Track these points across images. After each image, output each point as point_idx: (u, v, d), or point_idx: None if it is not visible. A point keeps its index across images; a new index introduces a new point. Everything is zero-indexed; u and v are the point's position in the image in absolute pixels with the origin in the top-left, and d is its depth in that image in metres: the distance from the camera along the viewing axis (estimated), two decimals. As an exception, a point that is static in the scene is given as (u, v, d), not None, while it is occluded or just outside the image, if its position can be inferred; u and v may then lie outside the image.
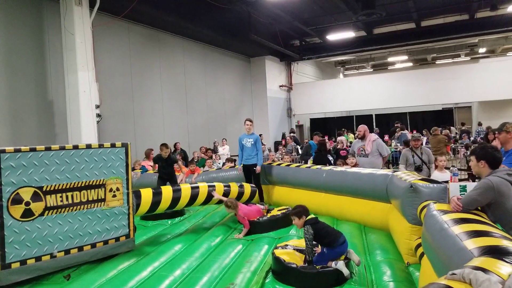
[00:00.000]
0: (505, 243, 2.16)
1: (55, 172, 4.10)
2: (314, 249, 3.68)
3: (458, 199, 3.02)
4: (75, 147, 4.33)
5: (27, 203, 3.88)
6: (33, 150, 3.99)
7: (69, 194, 4.21)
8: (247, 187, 6.39)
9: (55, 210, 4.09)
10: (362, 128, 6.80)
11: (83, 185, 4.31)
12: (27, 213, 3.88)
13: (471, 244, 2.21)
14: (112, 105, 10.11)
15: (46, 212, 4.02)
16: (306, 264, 3.64)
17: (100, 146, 4.52)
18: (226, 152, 12.04)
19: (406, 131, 13.31)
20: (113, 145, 4.61)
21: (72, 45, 8.09)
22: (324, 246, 3.69)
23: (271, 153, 8.45)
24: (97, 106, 8.63)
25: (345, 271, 3.54)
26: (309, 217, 3.78)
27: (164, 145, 6.86)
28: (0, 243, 3.68)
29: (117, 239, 4.59)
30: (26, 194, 3.87)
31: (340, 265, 3.55)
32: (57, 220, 4.10)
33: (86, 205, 4.34)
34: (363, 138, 6.72)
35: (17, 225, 3.80)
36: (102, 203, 4.46)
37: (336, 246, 3.64)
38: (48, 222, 4.02)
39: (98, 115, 8.73)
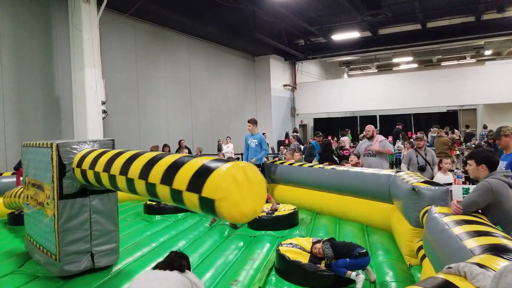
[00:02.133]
0: (504, 241, 2.20)
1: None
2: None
3: (458, 202, 3.06)
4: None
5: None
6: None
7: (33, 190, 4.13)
8: None
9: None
10: (370, 128, 6.81)
11: (37, 184, 4.07)
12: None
13: (471, 243, 2.25)
14: (117, 102, 10.19)
15: None
16: (325, 268, 3.63)
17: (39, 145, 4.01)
18: (230, 150, 12.09)
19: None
20: (45, 145, 3.87)
21: (79, 42, 8.16)
22: (344, 257, 3.64)
23: (297, 153, 8.38)
24: (103, 103, 8.70)
25: (358, 286, 3.48)
26: (325, 239, 3.88)
27: (154, 147, 6.92)
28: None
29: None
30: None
31: (359, 278, 3.47)
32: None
33: (39, 206, 4.04)
34: (370, 138, 6.72)
35: None
36: (43, 207, 3.97)
37: (354, 256, 3.57)
38: None
39: (104, 111, 8.81)
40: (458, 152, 10.43)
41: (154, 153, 2.69)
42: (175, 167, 2.33)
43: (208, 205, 2.08)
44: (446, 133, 16.04)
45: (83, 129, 8.26)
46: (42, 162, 3.90)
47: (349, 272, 3.52)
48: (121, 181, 2.80)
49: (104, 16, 8.89)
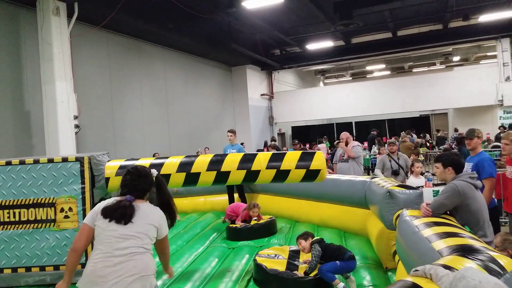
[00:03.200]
0: (470, 241, 2.27)
1: (3, 187, 4.00)
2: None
3: (427, 205, 3.14)
4: (22, 162, 4.05)
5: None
6: None
7: (17, 211, 3.99)
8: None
9: (1, 226, 3.98)
10: (345, 135, 6.94)
11: (30, 202, 4.01)
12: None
13: (439, 245, 2.31)
14: (91, 116, 9.99)
15: None
16: (304, 275, 3.60)
17: (50, 161, 4.08)
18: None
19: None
20: (64, 160, 4.08)
21: (49, 55, 7.99)
22: (335, 260, 3.62)
23: None
24: (76, 117, 8.52)
25: None
26: (315, 238, 3.83)
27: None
28: None
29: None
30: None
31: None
32: (3, 237, 3.99)
33: (33, 225, 4.01)
34: (345, 144, 6.84)
35: None
36: (52, 224, 4.03)
37: (346, 259, 3.58)
38: None
39: (77, 126, 8.62)
40: (422, 158, 10.76)
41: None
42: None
43: (315, 174, 4.01)
44: (421, 136, 16.52)
45: (55, 144, 8.05)
46: (55, 177, 4.01)
47: (337, 281, 3.52)
48: (209, 176, 3.98)
49: (76, 28, 8.76)
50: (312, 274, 3.59)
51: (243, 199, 6.93)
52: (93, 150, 9.57)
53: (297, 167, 3.97)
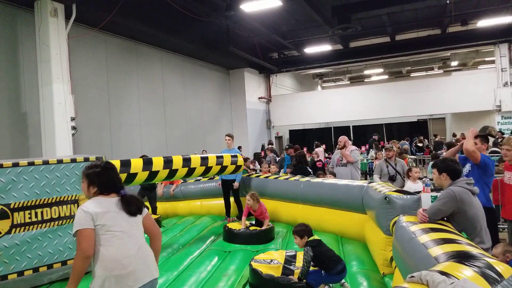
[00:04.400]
0: (467, 248, 2.25)
1: (23, 188, 3.98)
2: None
3: (424, 210, 3.12)
4: (45, 162, 4.16)
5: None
6: (1, 166, 3.88)
7: (39, 210, 4.07)
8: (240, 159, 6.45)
9: (24, 227, 3.96)
10: (343, 139, 6.92)
11: (53, 201, 4.16)
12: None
13: (436, 251, 2.29)
14: (88, 117, 9.95)
15: (15, 229, 3.90)
16: (297, 280, 3.56)
17: (73, 161, 4.35)
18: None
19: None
20: (86, 159, 4.43)
21: (47, 57, 7.96)
22: (322, 269, 3.59)
23: (273, 165, 8.33)
24: (73, 119, 8.48)
25: None
26: (312, 238, 3.67)
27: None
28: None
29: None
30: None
31: None
32: (26, 238, 3.97)
33: (56, 222, 4.17)
34: (343, 148, 6.82)
35: None
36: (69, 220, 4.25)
37: (334, 273, 3.53)
38: (15, 240, 3.90)
39: (74, 128, 8.58)
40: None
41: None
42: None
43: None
44: (421, 141, 16.52)
45: (52, 146, 8.00)
46: (78, 176, 4.20)
47: (322, 285, 3.52)
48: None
49: (73, 30, 8.73)
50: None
51: (239, 204, 6.89)
52: (90, 152, 9.54)
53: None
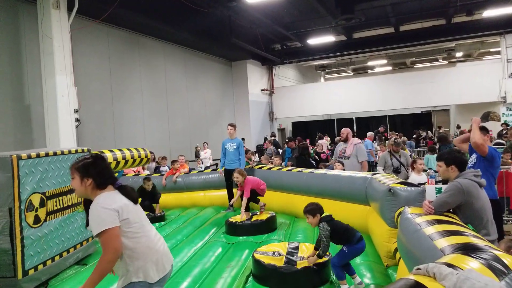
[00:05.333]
0: (473, 240, 2.23)
1: (52, 177, 4.24)
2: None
3: (430, 202, 3.10)
4: (70, 151, 4.55)
5: (36, 209, 3.97)
6: (38, 156, 4.08)
7: (60, 198, 4.36)
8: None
9: (53, 215, 4.22)
10: (345, 131, 6.85)
11: (67, 189, 4.45)
12: (36, 219, 3.97)
13: (442, 243, 2.28)
14: (91, 109, 9.95)
15: (48, 217, 4.14)
16: (318, 258, 3.50)
17: (88, 150, 4.85)
18: (208, 156, 11.98)
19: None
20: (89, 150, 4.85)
21: (50, 49, 7.93)
22: (343, 244, 3.51)
23: (277, 158, 8.35)
24: (76, 111, 8.48)
25: None
26: (324, 214, 3.57)
27: (147, 179, 6.97)
28: (21, 251, 3.72)
29: (87, 240, 4.82)
30: (35, 200, 3.97)
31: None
32: (56, 225, 4.24)
33: (71, 209, 4.52)
34: (345, 140, 6.77)
35: (31, 232, 3.86)
36: (79, 206, 4.60)
37: (355, 242, 3.45)
38: (50, 227, 4.16)
39: (77, 120, 8.59)
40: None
41: None
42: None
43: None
44: (417, 132, 16.46)
45: (56, 138, 8.01)
46: None
47: (344, 281, 3.47)
48: None
49: (76, 22, 8.69)
50: (320, 260, 3.53)
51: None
52: (93, 144, 9.54)
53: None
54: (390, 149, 6.55)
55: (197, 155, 12.41)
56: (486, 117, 4.29)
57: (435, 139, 16.31)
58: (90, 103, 9.92)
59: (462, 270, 1.70)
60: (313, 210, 3.56)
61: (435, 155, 7.67)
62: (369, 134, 11.21)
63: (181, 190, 7.84)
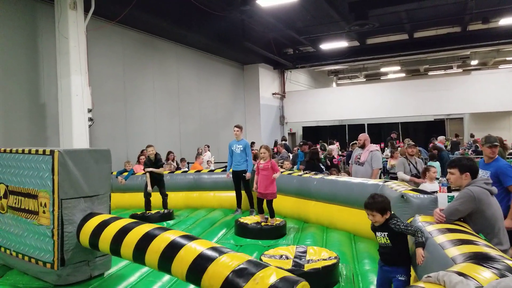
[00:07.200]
0: (485, 249, 2.20)
1: (14, 174, 4.14)
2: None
3: (441, 210, 3.06)
4: (30, 151, 3.97)
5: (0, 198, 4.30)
6: (5, 151, 4.28)
7: (20, 198, 4.05)
8: None
9: (12, 211, 4.18)
10: (363, 137, 6.78)
11: (24, 191, 4.01)
12: (1, 207, 4.29)
13: (453, 252, 2.25)
14: (104, 109, 10.08)
15: (8, 210, 4.25)
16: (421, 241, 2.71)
17: (29, 151, 3.96)
18: (206, 159, 11.97)
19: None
20: (43, 152, 3.82)
21: (65, 49, 8.07)
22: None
23: (287, 162, 8.30)
24: (89, 110, 8.60)
25: None
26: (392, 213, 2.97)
27: (148, 146, 7.08)
28: None
29: (42, 262, 3.76)
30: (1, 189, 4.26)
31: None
32: (12, 221, 4.18)
33: (28, 214, 3.95)
34: (363, 146, 6.70)
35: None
36: (36, 216, 3.87)
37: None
38: (9, 220, 4.21)
39: (90, 119, 8.70)
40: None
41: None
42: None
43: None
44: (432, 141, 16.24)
45: (69, 136, 8.13)
46: (38, 170, 3.83)
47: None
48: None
49: (92, 23, 8.83)
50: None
51: (250, 195, 6.90)
52: (105, 143, 9.66)
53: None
54: (406, 154, 6.47)
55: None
56: (491, 140, 4.16)
57: (449, 147, 16.09)
58: (103, 103, 10.04)
59: (474, 279, 1.68)
60: (384, 203, 2.88)
61: (437, 162, 7.62)
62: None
63: (191, 190, 7.90)
